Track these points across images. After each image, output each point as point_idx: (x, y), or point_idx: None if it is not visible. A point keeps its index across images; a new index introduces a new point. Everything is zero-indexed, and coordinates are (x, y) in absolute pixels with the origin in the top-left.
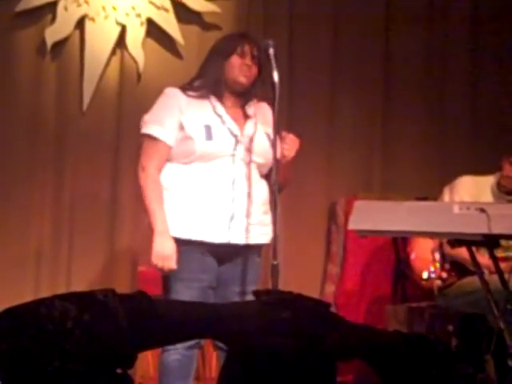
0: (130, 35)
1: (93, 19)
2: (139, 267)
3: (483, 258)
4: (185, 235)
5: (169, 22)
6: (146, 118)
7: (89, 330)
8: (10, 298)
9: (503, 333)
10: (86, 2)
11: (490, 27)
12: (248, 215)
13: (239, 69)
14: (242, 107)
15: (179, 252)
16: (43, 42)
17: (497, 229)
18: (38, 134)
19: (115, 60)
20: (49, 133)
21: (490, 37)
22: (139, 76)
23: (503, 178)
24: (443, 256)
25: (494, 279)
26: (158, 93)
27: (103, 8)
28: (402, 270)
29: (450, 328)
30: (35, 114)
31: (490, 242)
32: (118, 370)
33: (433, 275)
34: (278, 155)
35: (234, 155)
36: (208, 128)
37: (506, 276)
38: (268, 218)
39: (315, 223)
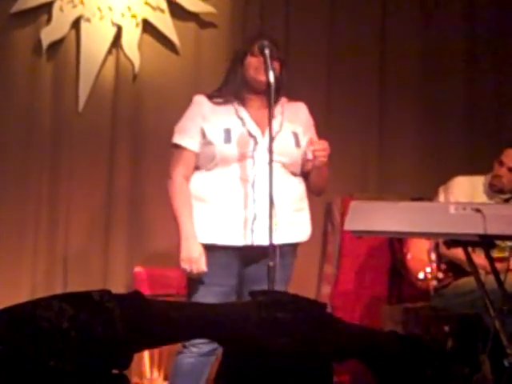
0: (125, 36)
1: (88, 20)
2: (135, 267)
3: (479, 258)
4: (209, 240)
5: (165, 23)
6: (175, 128)
7: (85, 331)
8: (6, 299)
9: (499, 333)
10: (82, 3)
11: (488, 27)
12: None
13: (256, 67)
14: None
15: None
16: (39, 43)
17: (492, 229)
18: (33, 134)
19: (111, 60)
20: (44, 133)
21: (488, 36)
22: (135, 76)
23: (493, 177)
24: (439, 256)
25: (489, 280)
26: (154, 92)
27: (99, 9)
28: (398, 271)
29: (446, 328)
30: (31, 114)
31: (486, 242)
32: (114, 371)
33: (429, 276)
34: (307, 159)
35: (253, 156)
36: (227, 131)
37: (502, 276)
38: (301, 215)
39: (311, 223)
